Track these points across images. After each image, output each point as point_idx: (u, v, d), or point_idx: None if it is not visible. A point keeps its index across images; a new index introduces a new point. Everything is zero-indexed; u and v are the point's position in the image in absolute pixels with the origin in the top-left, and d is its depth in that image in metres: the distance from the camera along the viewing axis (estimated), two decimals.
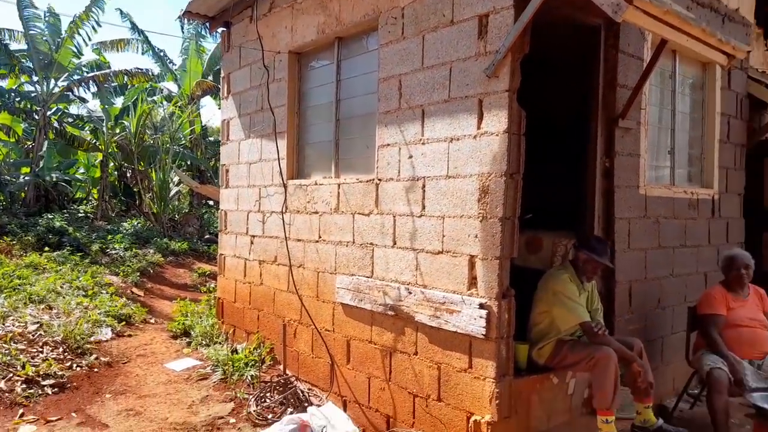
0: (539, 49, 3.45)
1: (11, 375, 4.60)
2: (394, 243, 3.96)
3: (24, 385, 4.54)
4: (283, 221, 5.07)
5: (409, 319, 3.79)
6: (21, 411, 4.23)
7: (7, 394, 4.37)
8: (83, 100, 16.43)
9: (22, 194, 13.65)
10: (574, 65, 4.45)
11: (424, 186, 3.76)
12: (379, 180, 4.11)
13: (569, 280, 3.64)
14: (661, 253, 4.57)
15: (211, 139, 18.75)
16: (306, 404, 4.34)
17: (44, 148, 13.84)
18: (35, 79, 13.70)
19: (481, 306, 3.30)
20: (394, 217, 3.98)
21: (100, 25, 13.16)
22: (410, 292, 3.78)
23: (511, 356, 3.34)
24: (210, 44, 16.64)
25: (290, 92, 5.17)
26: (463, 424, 3.42)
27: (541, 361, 3.61)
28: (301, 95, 5.20)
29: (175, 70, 17.01)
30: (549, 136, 4.96)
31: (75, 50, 13.55)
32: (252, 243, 5.66)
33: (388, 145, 4.05)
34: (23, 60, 13.55)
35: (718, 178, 5.22)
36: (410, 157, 3.87)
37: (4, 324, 5.47)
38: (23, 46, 13.40)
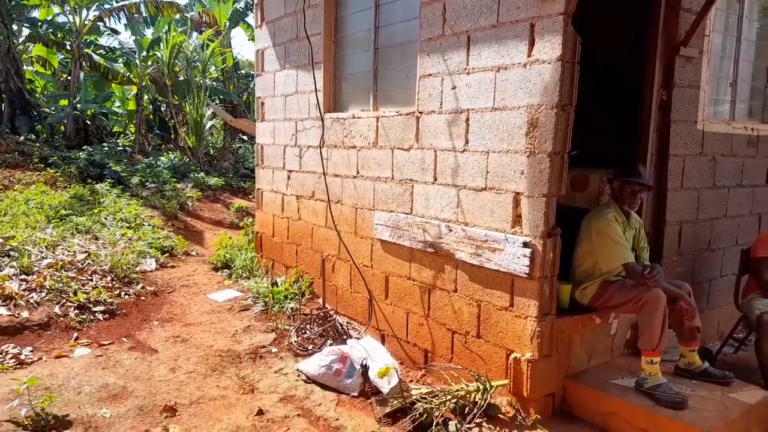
0: None
1: (64, 301, 4.82)
2: (435, 179, 3.86)
3: (77, 311, 4.77)
4: (321, 156, 5.00)
5: (449, 256, 3.74)
6: (75, 335, 4.46)
7: (62, 319, 4.61)
8: (115, 32, 16.33)
9: (62, 127, 13.88)
10: None
11: (467, 119, 3.59)
12: (420, 113, 3.95)
13: (614, 218, 3.51)
14: (715, 192, 4.35)
15: (242, 72, 18.51)
16: (345, 337, 4.43)
17: (80, 80, 13.90)
18: (67, 9, 13.56)
19: (525, 245, 3.22)
20: (435, 152, 3.85)
21: None
22: (451, 230, 3.71)
23: (554, 296, 3.29)
24: None
25: (327, 19, 4.93)
26: (502, 361, 3.43)
27: (585, 301, 3.55)
28: (337, 22, 4.97)
29: None
30: (601, 67, 4.65)
31: None
32: (289, 178, 5.64)
33: (430, 75, 3.85)
34: None
35: None
36: (453, 88, 3.68)
37: (54, 252, 5.69)
38: None
